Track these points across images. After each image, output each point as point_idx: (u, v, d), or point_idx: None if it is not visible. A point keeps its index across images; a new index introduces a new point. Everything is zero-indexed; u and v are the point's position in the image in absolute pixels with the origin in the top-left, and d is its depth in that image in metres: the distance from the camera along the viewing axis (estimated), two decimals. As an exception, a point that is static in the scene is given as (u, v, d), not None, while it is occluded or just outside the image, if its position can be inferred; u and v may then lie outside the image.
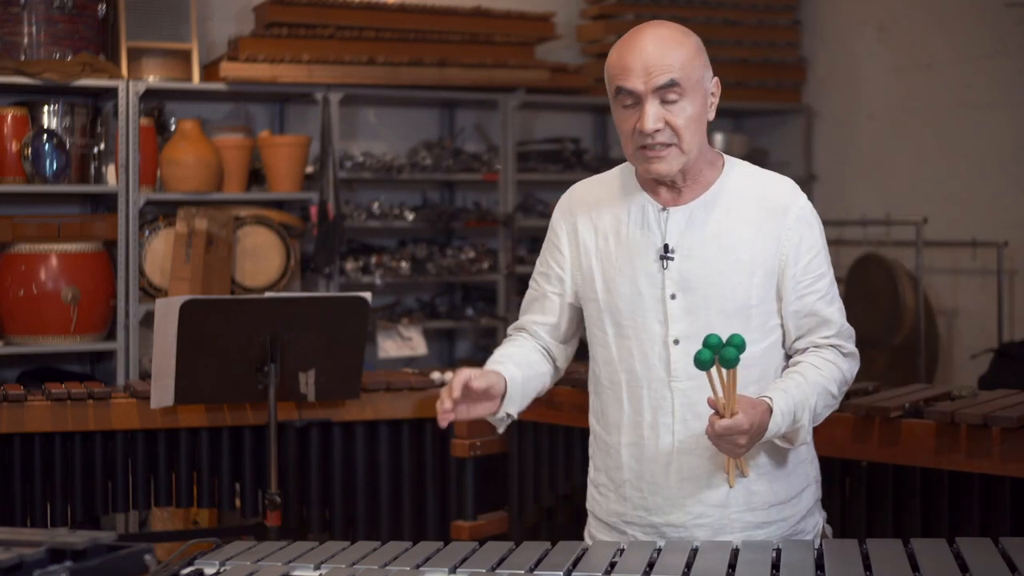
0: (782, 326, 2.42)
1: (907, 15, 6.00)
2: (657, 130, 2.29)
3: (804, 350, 2.43)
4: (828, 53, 6.41)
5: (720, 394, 2.20)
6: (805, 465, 2.49)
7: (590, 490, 2.54)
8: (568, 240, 2.48)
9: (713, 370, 2.17)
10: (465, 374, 2.38)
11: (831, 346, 2.42)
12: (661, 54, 2.29)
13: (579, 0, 6.34)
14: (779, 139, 6.60)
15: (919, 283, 5.52)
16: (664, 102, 2.30)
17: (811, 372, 2.37)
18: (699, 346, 2.22)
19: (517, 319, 2.64)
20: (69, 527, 3.62)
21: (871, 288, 5.72)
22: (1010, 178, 5.54)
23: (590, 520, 2.55)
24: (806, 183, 6.41)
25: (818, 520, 2.53)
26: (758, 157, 6.45)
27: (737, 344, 2.14)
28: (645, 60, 2.29)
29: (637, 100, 2.31)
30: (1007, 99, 5.55)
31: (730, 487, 2.38)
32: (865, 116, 6.20)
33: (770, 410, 2.27)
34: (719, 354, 2.14)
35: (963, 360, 5.64)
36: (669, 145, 2.31)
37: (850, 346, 2.45)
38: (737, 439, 2.22)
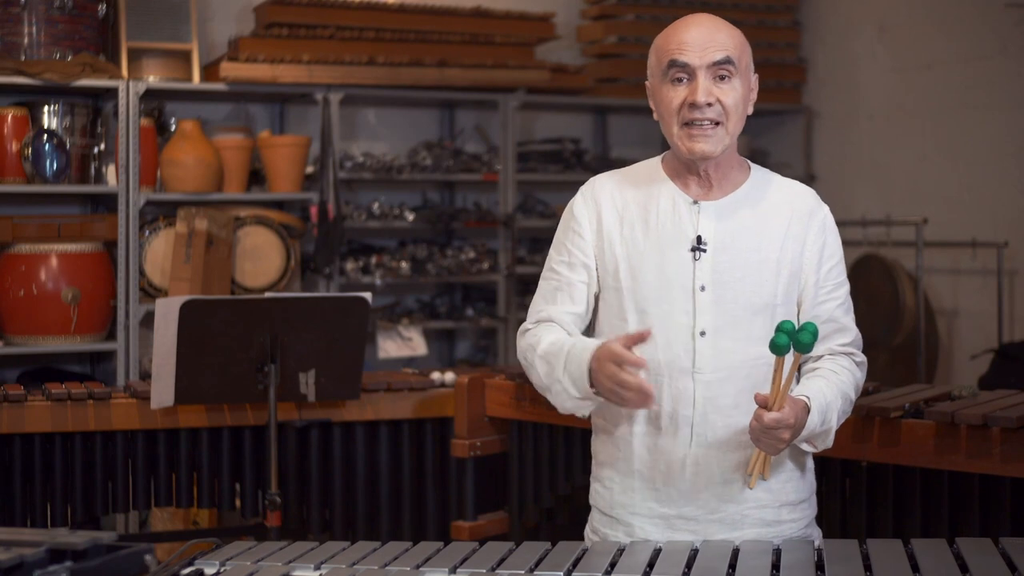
0: None
1: (907, 15, 6.00)
2: (708, 104, 2.33)
3: (820, 356, 2.44)
4: (828, 53, 6.41)
5: (781, 384, 2.20)
6: (811, 473, 2.51)
7: (593, 485, 2.53)
8: (591, 227, 2.46)
9: (778, 359, 2.20)
10: (620, 351, 2.23)
11: (845, 354, 2.44)
12: (717, 31, 2.37)
13: (579, 0, 6.34)
14: (779, 139, 6.60)
15: (919, 283, 5.52)
16: (716, 79, 2.34)
17: (832, 377, 2.39)
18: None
19: (528, 315, 2.52)
20: (69, 527, 3.63)
21: (871, 288, 5.72)
22: (1010, 178, 5.54)
23: (593, 514, 2.53)
24: (806, 183, 6.39)
25: (820, 532, 2.54)
26: (758, 157, 6.45)
27: (812, 331, 2.17)
28: (702, 35, 2.35)
29: (690, 75, 2.35)
30: (1007, 100, 5.55)
31: (750, 488, 2.38)
32: (865, 116, 6.20)
33: (808, 408, 2.28)
34: (794, 339, 2.16)
35: (963, 360, 5.64)
36: (716, 124, 2.35)
37: (862, 355, 2.48)
38: (782, 433, 2.23)
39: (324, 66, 5.43)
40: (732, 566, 2.09)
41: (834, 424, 2.35)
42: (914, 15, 5.96)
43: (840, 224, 6.48)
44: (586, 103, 6.16)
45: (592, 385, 2.29)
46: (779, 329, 2.17)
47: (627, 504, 2.44)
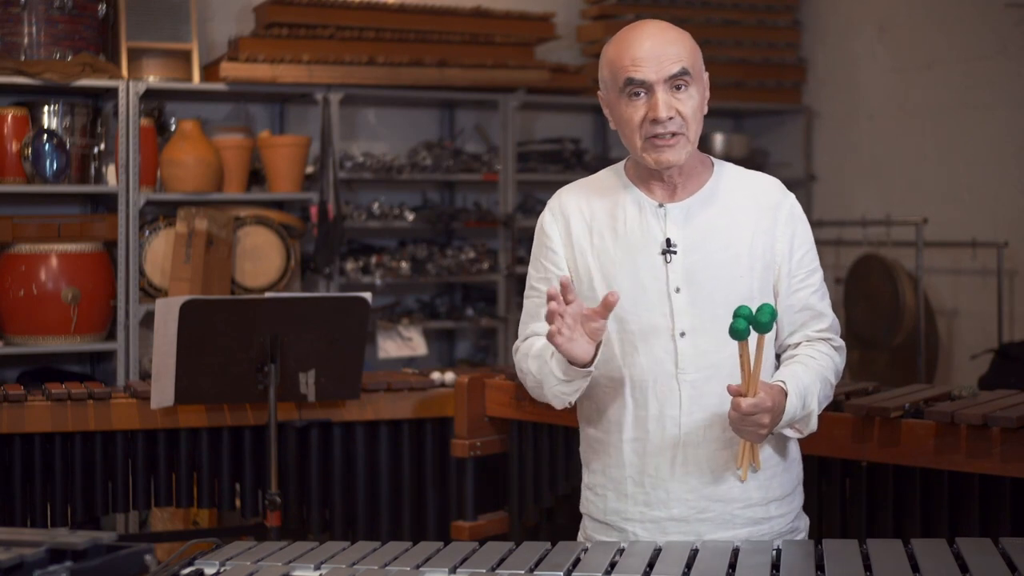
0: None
1: (907, 15, 6.00)
2: (670, 117, 2.33)
3: (798, 344, 2.48)
4: (828, 53, 6.41)
5: (751, 369, 2.22)
6: (796, 464, 2.53)
7: (585, 494, 2.54)
8: (562, 241, 2.49)
9: (741, 344, 2.21)
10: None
11: (823, 339, 2.47)
12: (669, 44, 2.36)
13: (579, 0, 6.34)
14: (779, 139, 6.60)
15: (919, 283, 5.52)
16: (674, 90, 2.35)
17: (811, 362, 2.41)
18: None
19: (519, 334, 2.56)
20: (69, 527, 3.63)
21: (871, 288, 5.71)
22: (1010, 178, 5.54)
23: (586, 522, 2.55)
24: (806, 183, 6.41)
25: (807, 521, 2.55)
26: (758, 157, 6.45)
27: (770, 311, 2.19)
28: (655, 49, 2.34)
29: (648, 90, 2.35)
30: (1007, 99, 5.55)
31: (742, 481, 2.39)
32: (865, 116, 6.20)
33: (785, 392, 2.30)
34: (753, 321, 2.18)
35: (963, 360, 5.64)
36: (678, 134, 2.35)
37: (839, 340, 2.51)
38: (761, 418, 2.25)
39: (324, 66, 5.43)
40: (732, 566, 2.09)
41: (815, 408, 2.37)
42: (914, 15, 5.96)
43: (840, 224, 6.46)
44: (586, 103, 6.16)
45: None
46: (736, 315, 2.19)
47: (620, 511, 2.45)
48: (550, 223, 2.52)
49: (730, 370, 2.33)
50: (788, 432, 2.39)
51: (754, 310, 2.20)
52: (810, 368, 2.39)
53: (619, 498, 2.45)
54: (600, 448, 2.48)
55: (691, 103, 2.36)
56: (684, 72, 2.34)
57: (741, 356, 2.23)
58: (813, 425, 2.39)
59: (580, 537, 2.56)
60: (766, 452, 2.42)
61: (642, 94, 2.35)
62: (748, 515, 2.41)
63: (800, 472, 2.54)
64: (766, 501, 2.42)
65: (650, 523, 2.42)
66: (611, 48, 2.40)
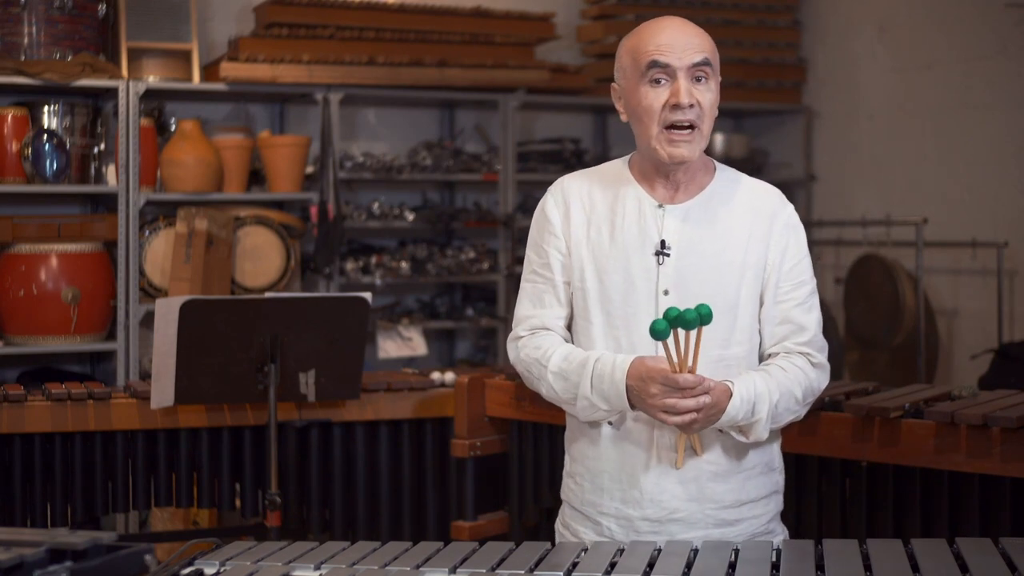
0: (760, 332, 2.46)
1: (907, 15, 6.00)
2: (690, 105, 2.34)
3: (776, 355, 2.45)
4: (828, 53, 6.41)
5: (677, 361, 2.24)
6: (776, 474, 2.52)
7: (565, 481, 2.56)
8: (562, 227, 2.48)
9: (671, 342, 2.22)
10: (668, 374, 2.27)
11: (801, 353, 2.44)
12: (692, 35, 2.38)
13: (579, 0, 6.34)
14: (779, 139, 6.60)
15: (919, 283, 5.52)
16: (693, 80, 2.36)
17: (777, 372, 2.40)
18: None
19: (516, 321, 2.54)
20: (69, 527, 3.63)
21: (871, 288, 5.72)
22: (1010, 178, 5.54)
23: (564, 509, 2.56)
24: (806, 183, 6.41)
25: (785, 528, 2.55)
26: (758, 157, 6.45)
27: (705, 312, 2.19)
28: (680, 38, 2.36)
29: (670, 76, 2.36)
30: (1007, 99, 5.55)
31: (677, 467, 2.39)
32: (865, 116, 6.20)
33: (730, 393, 2.30)
34: (679, 317, 2.19)
35: (963, 360, 5.64)
36: (693, 128, 2.36)
37: (820, 357, 2.46)
38: (686, 404, 2.24)
39: (324, 66, 5.43)
40: (732, 566, 2.09)
41: (764, 416, 2.34)
42: (914, 15, 5.96)
43: (840, 224, 6.46)
44: (586, 103, 6.16)
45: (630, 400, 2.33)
46: (664, 316, 2.20)
47: (595, 503, 2.47)
48: (552, 208, 2.50)
49: (710, 374, 2.32)
50: (734, 434, 2.39)
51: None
52: (772, 378, 2.37)
53: (595, 490, 2.47)
54: (581, 437, 2.50)
55: (709, 95, 2.37)
56: (706, 63, 2.36)
57: (667, 352, 2.23)
58: (761, 433, 2.37)
59: (558, 523, 2.58)
60: (737, 457, 2.43)
61: (664, 80, 2.36)
62: (721, 516, 2.42)
63: (780, 481, 2.53)
64: (739, 503, 2.43)
65: (624, 520, 2.43)
66: (631, 39, 2.42)
